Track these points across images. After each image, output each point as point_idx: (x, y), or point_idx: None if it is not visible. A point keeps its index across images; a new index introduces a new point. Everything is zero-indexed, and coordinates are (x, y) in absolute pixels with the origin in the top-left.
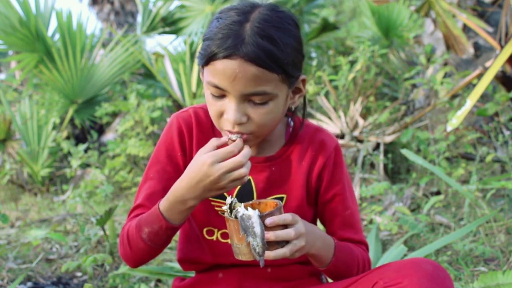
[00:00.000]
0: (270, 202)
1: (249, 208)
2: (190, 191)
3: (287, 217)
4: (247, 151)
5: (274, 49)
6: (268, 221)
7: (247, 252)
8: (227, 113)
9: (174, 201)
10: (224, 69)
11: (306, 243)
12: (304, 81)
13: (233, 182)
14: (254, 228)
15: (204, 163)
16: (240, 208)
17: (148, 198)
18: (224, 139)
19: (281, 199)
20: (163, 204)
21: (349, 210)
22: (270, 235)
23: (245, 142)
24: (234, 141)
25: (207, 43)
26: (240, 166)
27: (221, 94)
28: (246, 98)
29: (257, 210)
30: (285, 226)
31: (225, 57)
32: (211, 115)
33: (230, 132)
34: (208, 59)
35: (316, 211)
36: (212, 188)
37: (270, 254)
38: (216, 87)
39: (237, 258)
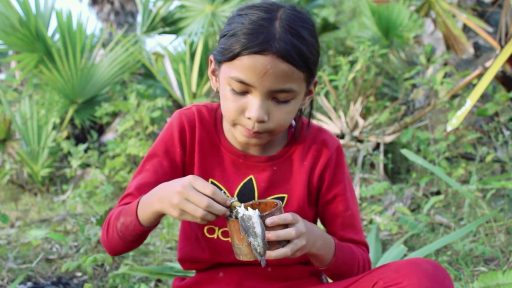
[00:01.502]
0: (270, 202)
1: (249, 208)
2: (157, 199)
3: (287, 216)
4: (220, 210)
5: (303, 47)
6: (269, 221)
7: (248, 253)
8: (249, 110)
9: (149, 195)
10: (254, 64)
11: (307, 243)
12: (315, 84)
13: (183, 217)
14: (255, 229)
15: (176, 190)
16: (240, 209)
17: (139, 188)
18: (221, 196)
19: (282, 198)
20: (143, 197)
21: (350, 210)
22: (271, 235)
23: (259, 139)
24: (229, 206)
25: (231, 39)
26: (198, 216)
27: (244, 91)
28: (271, 95)
29: (257, 210)
30: (285, 225)
31: (256, 52)
32: (228, 112)
33: (249, 131)
34: (235, 55)
35: (317, 211)
36: (167, 208)
37: (272, 254)
38: (242, 82)
39: (238, 258)
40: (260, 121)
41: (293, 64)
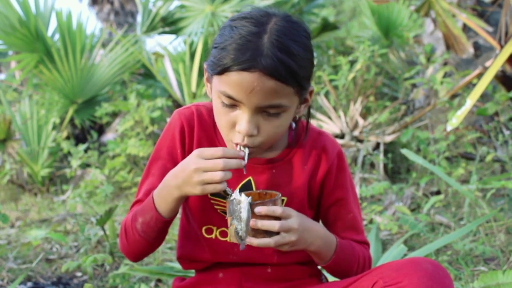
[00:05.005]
0: (274, 193)
1: (243, 194)
2: (175, 187)
3: (276, 209)
4: (236, 162)
5: (292, 63)
6: (257, 209)
7: (234, 235)
8: (239, 124)
9: (162, 187)
10: (241, 81)
11: (301, 239)
12: (311, 92)
13: (206, 189)
14: (241, 213)
15: (189, 166)
16: (234, 193)
17: (148, 194)
18: (232, 151)
19: (281, 201)
20: (156, 190)
21: (352, 213)
22: (255, 223)
23: (250, 154)
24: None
25: (221, 53)
26: (218, 180)
27: (233, 104)
28: (260, 110)
29: (250, 197)
30: (279, 218)
31: (244, 69)
32: (220, 125)
33: (238, 144)
34: (223, 70)
35: (318, 213)
36: (188, 190)
37: (254, 242)
38: (230, 97)
39: (229, 240)
40: (250, 135)
41: (281, 80)
